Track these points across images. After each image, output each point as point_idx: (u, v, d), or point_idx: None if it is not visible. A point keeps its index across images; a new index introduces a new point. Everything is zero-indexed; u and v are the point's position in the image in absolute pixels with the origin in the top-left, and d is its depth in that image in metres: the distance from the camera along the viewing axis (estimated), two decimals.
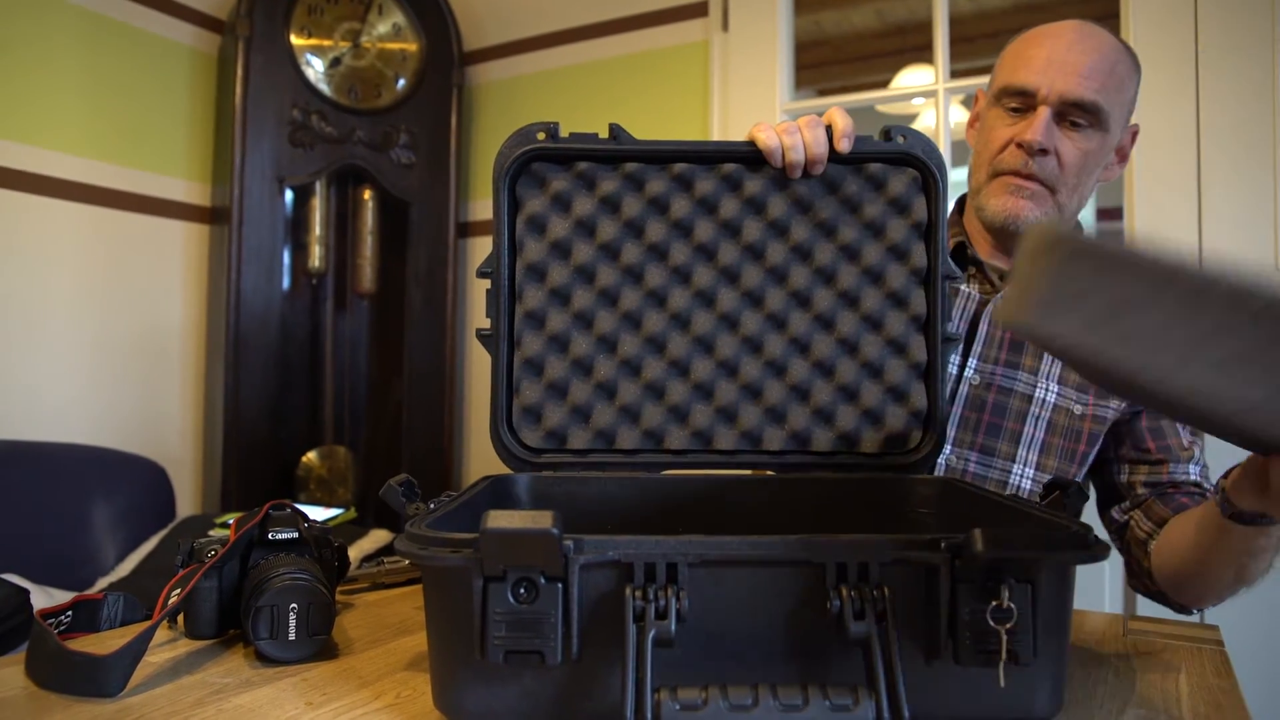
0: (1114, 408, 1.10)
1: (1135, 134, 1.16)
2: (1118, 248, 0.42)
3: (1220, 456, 0.86)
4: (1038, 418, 1.10)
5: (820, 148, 0.87)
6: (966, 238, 1.18)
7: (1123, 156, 1.15)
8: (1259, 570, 0.89)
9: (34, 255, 2.05)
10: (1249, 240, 1.68)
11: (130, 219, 2.23)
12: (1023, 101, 1.09)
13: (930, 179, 0.88)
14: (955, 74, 2.00)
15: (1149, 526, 1.04)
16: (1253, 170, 1.68)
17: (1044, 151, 1.06)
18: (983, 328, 1.13)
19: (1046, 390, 1.10)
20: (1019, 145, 1.07)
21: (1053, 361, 1.12)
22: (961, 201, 1.24)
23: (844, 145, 0.87)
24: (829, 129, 0.88)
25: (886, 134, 0.88)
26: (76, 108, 2.13)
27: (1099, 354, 0.42)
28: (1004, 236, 1.14)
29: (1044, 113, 1.06)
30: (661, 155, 0.89)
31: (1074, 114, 1.06)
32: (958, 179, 2.11)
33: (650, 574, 0.52)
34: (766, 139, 0.87)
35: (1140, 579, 1.06)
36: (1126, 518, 1.07)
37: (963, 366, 1.12)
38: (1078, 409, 1.10)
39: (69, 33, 2.11)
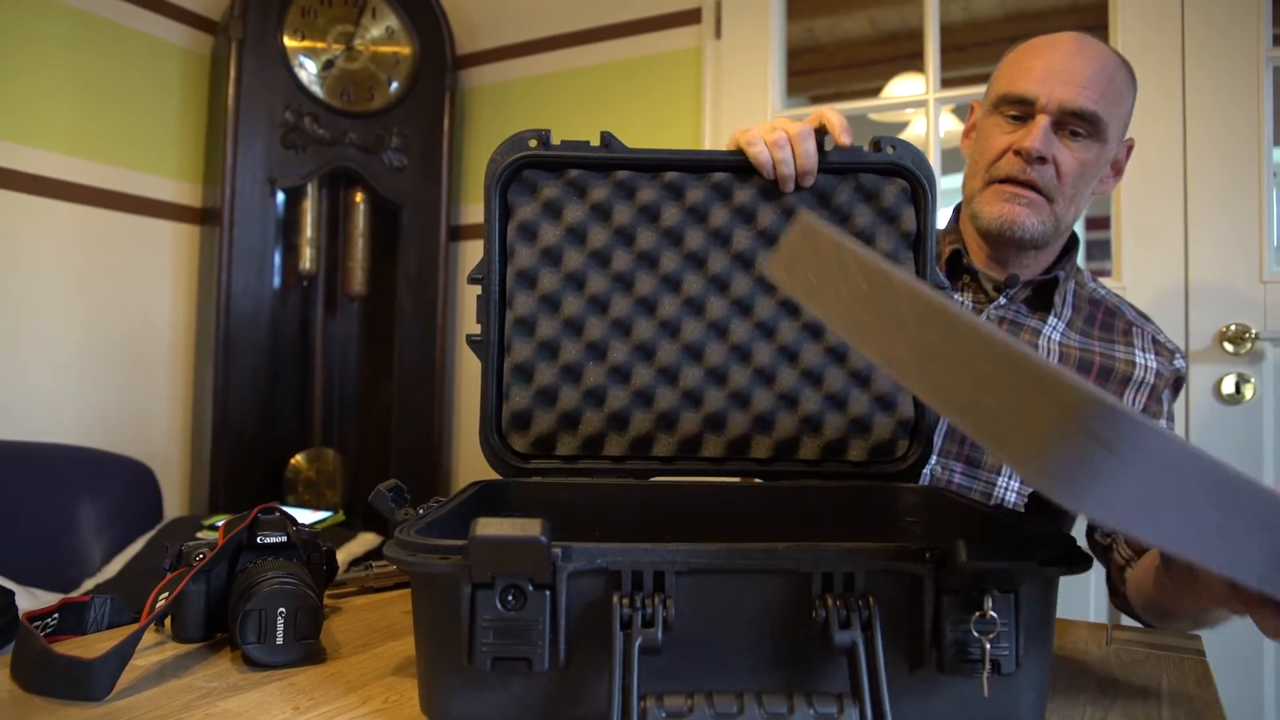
0: None
1: (1130, 148, 1.15)
2: (842, 240, 0.51)
3: None
4: None
5: (810, 160, 0.87)
6: (963, 246, 1.17)
7: (1118, 170, 1.15)
8: (1215, 621, 0.89)
9: (23, 254, 2.04)
10: (1234, 249, 1.69)
11: (121, 219, 2.23)
12: (1021, 110, 1.08)
13: (919, 189, 0.88)
14: (946, 83, 2.01)
15: (1127, 553, 1.04)
16: (1238, 180, 1.69)
17: (1042, 159, 1.05)
18: None
19: None
20: (1017, 153, 1.07)
21: None
22: (959, 209, 1.23)
23: (845, 139, 0.87)
24: (821, 137, 0.88)
25: (876, 144, 0.88)
26: (67, 107, 2.12)
27: (813, 311, 0.52)
28: (999, 244, 1.13)
29: (1043, 121, 1.05)
30: (652, 163, 0.89)
31: (1073, 123, 1.06)
32: (947, 187, 2.12)
33: (638, 582, 0.52)
34: (757, 152, 0.87)
35: (1118, 600, 1.07)
36: (1109, 541, 1.07)
37: None
38: None
39: (60, 32, 2.10)
